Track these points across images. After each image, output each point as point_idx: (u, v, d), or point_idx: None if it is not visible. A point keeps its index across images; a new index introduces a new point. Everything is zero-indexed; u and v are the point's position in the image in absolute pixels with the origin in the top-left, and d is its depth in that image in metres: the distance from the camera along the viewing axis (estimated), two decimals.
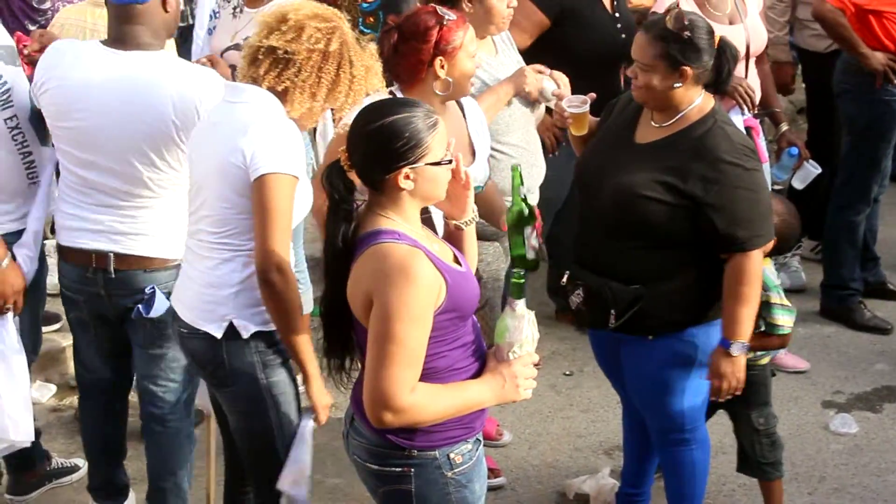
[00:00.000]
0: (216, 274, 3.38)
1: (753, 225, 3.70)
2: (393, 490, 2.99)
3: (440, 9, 3.85)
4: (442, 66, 3.81)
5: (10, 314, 3.93)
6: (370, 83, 3.45)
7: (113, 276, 3.82)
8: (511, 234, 3.76)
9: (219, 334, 3.39)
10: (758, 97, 5.09)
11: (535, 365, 3.03)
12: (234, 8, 5.14)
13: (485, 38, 4.47)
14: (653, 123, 3.80)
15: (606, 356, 4.14)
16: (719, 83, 3.76)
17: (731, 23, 5.01)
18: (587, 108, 3.96)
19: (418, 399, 2.82)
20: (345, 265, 2.91)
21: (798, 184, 5.61)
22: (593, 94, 4.03)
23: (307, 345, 3.33)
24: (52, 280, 5.76)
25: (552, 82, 4.43)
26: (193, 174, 3.49)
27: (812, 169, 5.54)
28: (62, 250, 3.92)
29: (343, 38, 3.38)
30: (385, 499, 3.04)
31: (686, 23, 3.66)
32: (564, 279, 3.88)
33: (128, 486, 4.34)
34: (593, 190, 3.84)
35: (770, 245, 3.82)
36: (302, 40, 3.32)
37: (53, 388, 5.29)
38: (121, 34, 3.73)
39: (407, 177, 2.87)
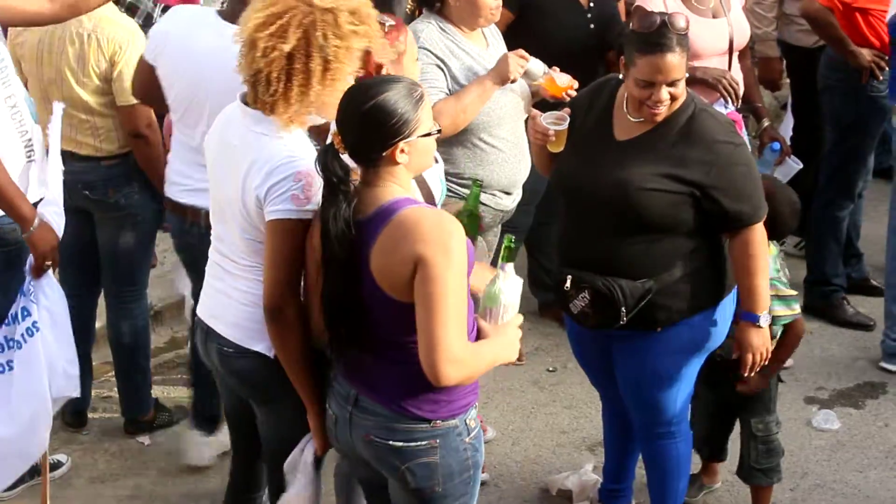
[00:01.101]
0: (262, 294, 3.29)
1: (754, 198, 3.75)
2: (417, 464, 3.06)
3: (378, 15, 3.76)
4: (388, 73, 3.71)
5: (50, 271, 4.05)
6: (350, 60, 3.24)
7: (205, 231, 3.88)
8: None
9: (270, 353, 3.32)
10: (742, 91, 5.10)
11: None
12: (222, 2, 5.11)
13: (475, 31, 4.47)
14: (631, 119, 3.79)
15: (590, 354, 4.14)
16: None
17: (714, 17, 5.02)
18: (566, 124, 3.88)
19: (470, 351, 2.94)
20: (351, 248, 2.95)
21: (780, 179, 5.62)
22: (568, 109, 3.93)
23: (311, 378, 3.25)
24: None
25: (539, 62, 4.42)
26: (213, 191, 3.44)
27: (794, 164, 5.56)
28: (167, 202, 4.32)
29: (303, 24, 3.16)
30: (407, 474, 3.08)
31: (681, 17, 3.68)
32: (567, 285, 3.83)
33: (219, 417, 4.58)
34: (584, 192, 3.80)
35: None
36: (257, 57, 3.17)
37: None
38: (231, 10, 3.97)
39: (402, 150, 2.96)
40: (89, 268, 4.84)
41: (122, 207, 4.67)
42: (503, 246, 3.09)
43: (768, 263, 3.85)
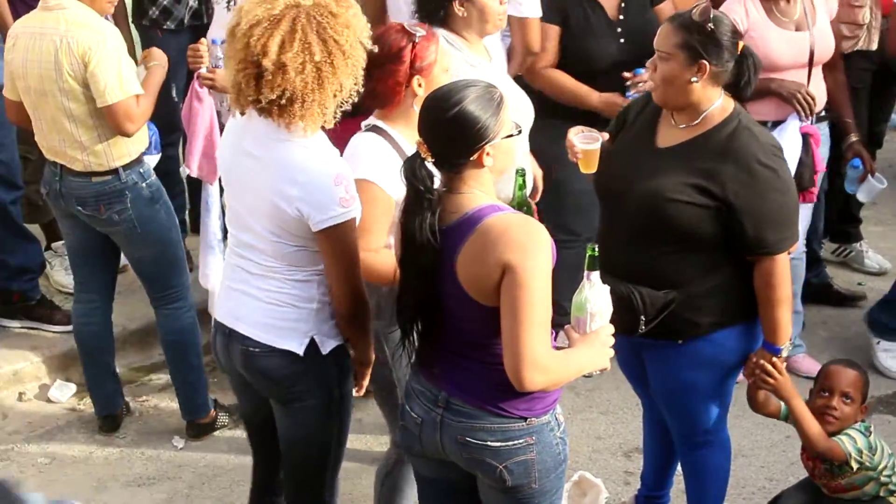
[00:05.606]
0: (293, 292, 3.36)
1: (781, 228, 3.69)
2: (515, 462, 3.08)
3: (408, 25, 3.68)
4: (420, 85, 3.63)
5: None
6: (359, 41, 3.24)
7: None
8: None
9: (301, 351, 3.36)
10: (820, 105, 5.01)
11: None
12: (228, 2, 5.11)
13: (480, 41, 4.39)
14: (675, 126, 3.77)
15: (629, 360, 4.12)
16: (738, 90, 3.73)
17: (797, 29, 4.96)
18: (598, 145, 3.85)
19: (555, 358, 2.98)
20: (435, 255, 2.98)
21: (863, 197, 5.48)
22: (605, 134, 3.91)
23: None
24: (70, 279, 5.79)
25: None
26: (231, 200, 3.43)
27: (877, 184, 5.35)
28: None
29: (314, 29, 3.15)
30: (505, 473, 3.09)
31: (711, 16, 3.64)
32: None
33: None
34: (618, 197, 3.80)
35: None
36: (289, 78, 3.13)
37: (73, 387, 5.29)
38: None
39: (488, 154, 3.00)
40: (100, 270, 4.82)
41: (117, 223, 4.57)
42: (587, 255, 3.10)
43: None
